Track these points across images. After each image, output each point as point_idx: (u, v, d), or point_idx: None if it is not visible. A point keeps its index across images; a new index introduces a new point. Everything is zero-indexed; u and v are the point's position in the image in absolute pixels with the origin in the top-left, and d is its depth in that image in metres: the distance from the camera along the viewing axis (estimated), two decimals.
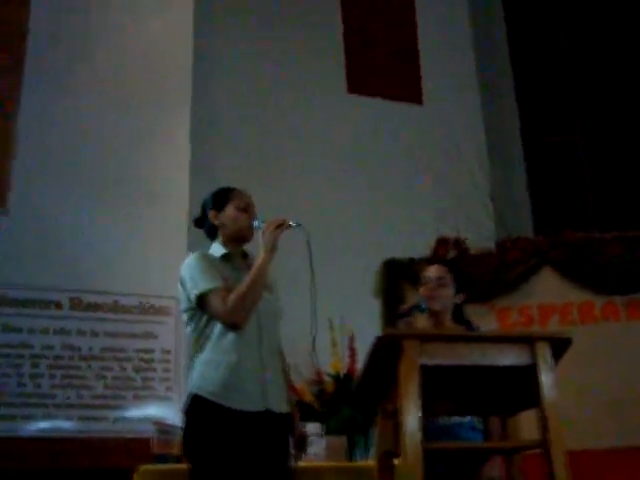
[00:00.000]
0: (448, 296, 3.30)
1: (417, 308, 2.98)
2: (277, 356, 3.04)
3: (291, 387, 3.26)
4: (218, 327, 2.90)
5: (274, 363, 2.98)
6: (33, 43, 5.91)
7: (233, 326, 2.86)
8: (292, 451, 3.08)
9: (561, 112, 8.60)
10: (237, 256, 3.05)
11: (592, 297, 6.76)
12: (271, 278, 3.13)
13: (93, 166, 5.75)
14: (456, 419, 3.17)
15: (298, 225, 3.03)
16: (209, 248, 3.12)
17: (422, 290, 3.29)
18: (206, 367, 2.89)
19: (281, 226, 2.97)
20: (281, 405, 2.94)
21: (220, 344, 2.89)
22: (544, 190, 8.21)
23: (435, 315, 3.25)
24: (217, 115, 6.85)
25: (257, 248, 2.98)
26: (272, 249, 2.93)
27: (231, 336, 2.88)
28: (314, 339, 3.16)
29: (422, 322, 3.30)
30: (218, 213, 3.12)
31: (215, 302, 2.86)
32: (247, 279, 2.87)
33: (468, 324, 3.35)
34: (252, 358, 2.89)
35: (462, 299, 3.36)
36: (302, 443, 3.12)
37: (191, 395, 2.89)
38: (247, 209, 3.09)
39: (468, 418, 3.19)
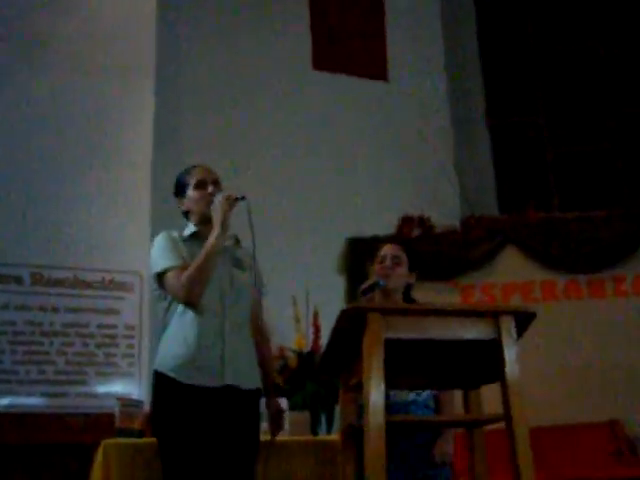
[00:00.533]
0: (402, 275, 3.32)
1: (377, 285, 2.99)
2: (245, 332, 3.02)
3: (271, 361, 3.26)
4: (181, 304, 2.91)
5: (241, 339, 2.97)
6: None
7: (187, 302, 2.88)
8: (268, 426, 3.12)
9: (525, 93, 8.63)
10: (208, 235, 2.98)
11: (554, 276, 6.85)
12: (245, 254, 3.13)
13: (51, 138, 5.66)
14: (411, 396, 3.21)
15: (242, 198, 2.99)
16: (176, 225, 3.12)
17: (377, 268, 3.31)
18: (168, 343, 2.93)
19: (228, 199, 2.95)
20: (247, 381, 2.93)
21: (181, 321, 2.91)
22: (508, 169, 8.25)
23: (387, 293, 3.26)
24: (182, 89, 6.78)
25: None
26: (222, 225, 2.91)
27: (191, 313, 2.90)
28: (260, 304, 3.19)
29: (376, 300, 3.32)
30: (182, 200, 3.13)
31: (171, 280, 2.90)
32: (198, 256, 2.87)
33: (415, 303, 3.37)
34: (212, 334, 2.89)
35: (414, 279, 3.38)
36: (278, 418, 3.13)
37: (154, 371, 2.93)
38: (202, 185, 3.07)
39: (423, 396, 3.23)
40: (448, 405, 3.22)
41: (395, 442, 2.96)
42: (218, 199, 2.96)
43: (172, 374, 2.83)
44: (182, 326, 2.90)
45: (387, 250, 3.36)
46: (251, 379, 2.97)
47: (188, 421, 2.77)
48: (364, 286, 2.96)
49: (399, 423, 2.72)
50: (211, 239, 2.89)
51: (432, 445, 3.15)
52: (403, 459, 3.10)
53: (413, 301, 3.37)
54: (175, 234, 3.06)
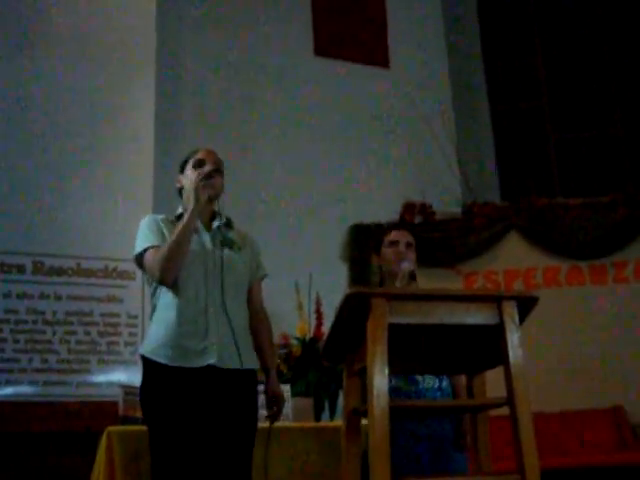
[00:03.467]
0: (414, 260, 3.31)
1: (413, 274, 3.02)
2: (235, 314, 2.95)
3: (270, 345, 3.17)
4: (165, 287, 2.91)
5: (229, 319, 2.90)
6: None
7: (161, 281, 2.86)
8: (265, 410, 3.07)
9: (528, 78, 8.61)
10: (204, 201, 2.94)
11: (557, 262, 6.86)
12: (242, 237, 3.13)
13: (53, 126, 5.64)
14: (438, 384, 3.20)
15: (214, 172, 2.98)
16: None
17: (391, 252, 3.27)
18: (152, 326, 2.93)
19: (199, 175, 2.93)
20: (231, 361, 2.87)
21: (164, 303, 2.90)
22: (510, 156, 8.24)
23: (397, 277, 3.22)
24: (183, 76, 6.76)
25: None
26: (195, 203, 2.87)
27: (173, 294, 2.88)
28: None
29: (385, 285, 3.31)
30: (181, 176, 3.12)
31: (147, 260, 2.90)
32: (172, 235, 2.85)
33: None
34: (194, 315, 2.85)
35: (416, 266, 3.37)
36: (275, 402, 3.07)
37: (140, 355, 2.94)
38: (199, 165, 3.03)
39: (437, 383, 3.21)
40: (463, 390, 3.19)
41: (426, 424, 3.00)
42: (193, 176, 2.95)
43: (153, 356, 2.82)
44: (164, 308, 2.89)
45: (399, 235, 3.33)
46: (235, 359, 2.89)
47: (171, 402, 2.75)
48: (400, 277, 2.97)
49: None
50: (185, 216, 2.86)
51: (459, 428, 3.14)
52: (432, 441, 3.09)
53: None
54: (160, 217, 3.05)
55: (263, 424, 3.04)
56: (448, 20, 8.11)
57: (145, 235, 2.95)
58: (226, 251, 3.00)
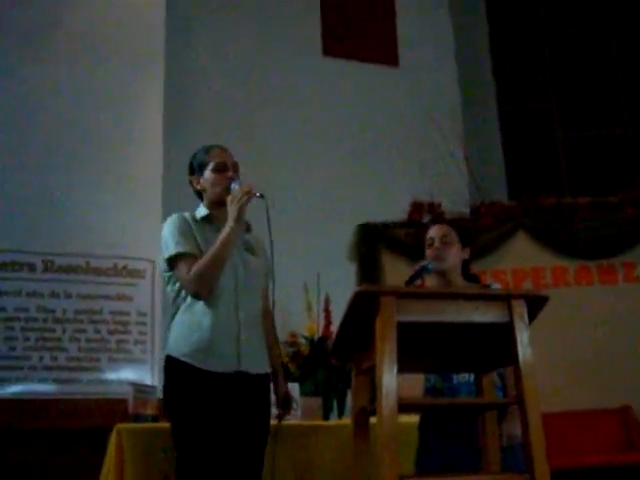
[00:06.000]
0: (454, 253, 3.21)
1: (425, 270, 2.95)
2: (257, 317, 3.03)
3: (278, 346, 3.26)
4: None
5: (253, 324, 2.98)
6: (2, 3, 5.79)
7: (195, 296, 2.88)
8: (276, 410, 3.12)
9: (536, 78, 8.60)
10: (221, 218, 2.96)
11: (565, 262, 6.85)
12: (256, 240, 3.15)
13: (63, 127, 5.66)
14: (461, 378, 3.15)
15: (261, 196, 2.96)
16: (193, 208, 3.11)
17: (427, 252, 3.24)
18: (180, 328, 2.92)
19: (247, 194, 2.90)
20: (259, 366, 2.95)
21: (194, 306, 2.91)
22: (518, 155, 8.24)
23: (443, 274, 3.21)
24: (191, 75, 6.78)
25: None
26: (238, 219, 2.87)
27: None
28: (273, 303, 3.12)
29: (431, 283, 3.27)
30: (199, 178, 3.10)
31: (180, 269, 2.89)
32: (211, 250, 2.84)
33: (475, 280, 3.31)
34: (227, 320, 2.89)
35: (468, 254, 3.31)
36: (286, 403, 3.14)
37: (166, 356, 2.93)
38: (222, 169, 3.04)
39: (467, 377, 3.12)
40: (489, 386, 3.12)
41: (462, 424, 2.93)
42: (237, 190, 2.92)
43: (185, 359, 2.84)
44: (196, 311, 2.89)
45: (434, 231, 3.24)
46: (262, 364, 2.99)
47: (201, 405, 2.78)
48: (412, 273, 2.92)
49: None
50: (225, 234, 2.85)
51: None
52: (470, 442, 3.04)
53: (474, 277, 3.29)
54: (187, 215, 3.04)
55: (272, 422, 3.08)
56: (457, 20, 8.10)
57: (176, 238, 2.93)
58: (248, 255, 3.04)
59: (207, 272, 2.82)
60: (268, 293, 3.17)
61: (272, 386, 3.12)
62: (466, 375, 3.10)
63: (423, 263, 2.96)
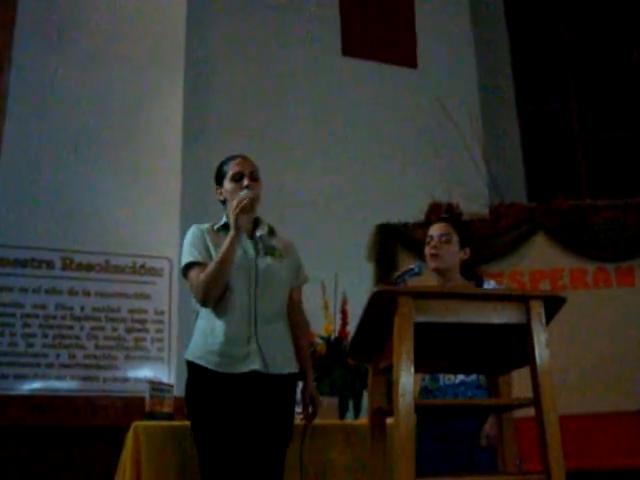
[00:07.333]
0: (452, 252, 3.24)
1: (410, 272, 2.95)
2: (276, 318, 3.06)
3: (308, 348, 3.32)
4: None
5: (271, 326, 3.02)
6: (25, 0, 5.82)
7: (201, 303, 2.99)
8: (300, 411, 3.18)
9: (556, 79, 8.57)
10: (242, 226, 3.00)
11: (583, 263, 6.81)
12: (282, 244, 3.19)
13: (85, 124, 5.69)
14: (459, 378, 3.18)
15: (252, 206, 3.02)
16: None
17: (426, 250, 3.27)
18: (197, 333, 3.04)
19: (239, 204, 2.95)
20: (279, 367, 2.99)
21: (209, 311, 3.01)
22: (538, 157, 8.20)
23: (442, 273, 3.22)
24: (211, 77, 6.79)
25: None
26: (235, 228, 2.93)
27: (220, 303, 2.98)
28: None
29: (432, 281, 3.28)
30: (220, 188, 3.18)
31: (190, 279, 3.03)
32: (214, 259, 2.94)
33: (478, 279, 3.31)
34: (240, 323, 2.96)
35: (468, 254, 3.31)
36: (310, 405, 3.17)
37: (185, 361, 3.05)
38: (238, 179, 3.10)
39: (472, 377, 3.17)
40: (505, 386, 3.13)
41: (444, 424, 2.99)
42: (234, 201, 2.99)
43: (200, 362, 2.94)
44: (210, 316, 3.00)
45: (434, 230, 3.29)
46: (283, 364, 3.02)
47: (215, 407, 2.87)
48: (397, 274, 2.92)
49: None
50: (225, 244, 2.93)
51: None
52: (461, 439, 3.06)
53: (478, 277, 3.31)
54: (205, 227, 3.14)
55: (298, 422, 3.15)
56: (476, 21, 8.08)
57: (189, 249, 3.05)
58: (268, 259, 3.07)
59: (209, 282, 2.92)
60: (298, 297, 3.25)
61: (300, 386, 3.18)
62: (452, 377, 3.13)
63: (412, 265, 2.95)
